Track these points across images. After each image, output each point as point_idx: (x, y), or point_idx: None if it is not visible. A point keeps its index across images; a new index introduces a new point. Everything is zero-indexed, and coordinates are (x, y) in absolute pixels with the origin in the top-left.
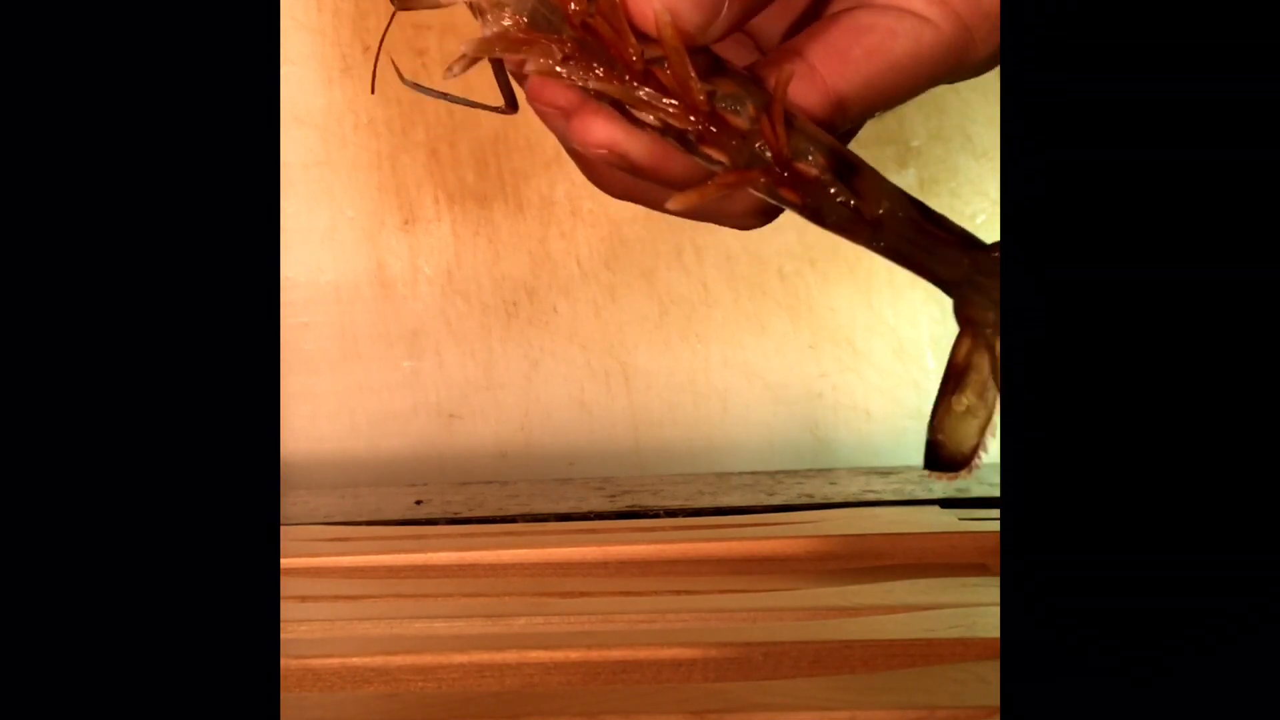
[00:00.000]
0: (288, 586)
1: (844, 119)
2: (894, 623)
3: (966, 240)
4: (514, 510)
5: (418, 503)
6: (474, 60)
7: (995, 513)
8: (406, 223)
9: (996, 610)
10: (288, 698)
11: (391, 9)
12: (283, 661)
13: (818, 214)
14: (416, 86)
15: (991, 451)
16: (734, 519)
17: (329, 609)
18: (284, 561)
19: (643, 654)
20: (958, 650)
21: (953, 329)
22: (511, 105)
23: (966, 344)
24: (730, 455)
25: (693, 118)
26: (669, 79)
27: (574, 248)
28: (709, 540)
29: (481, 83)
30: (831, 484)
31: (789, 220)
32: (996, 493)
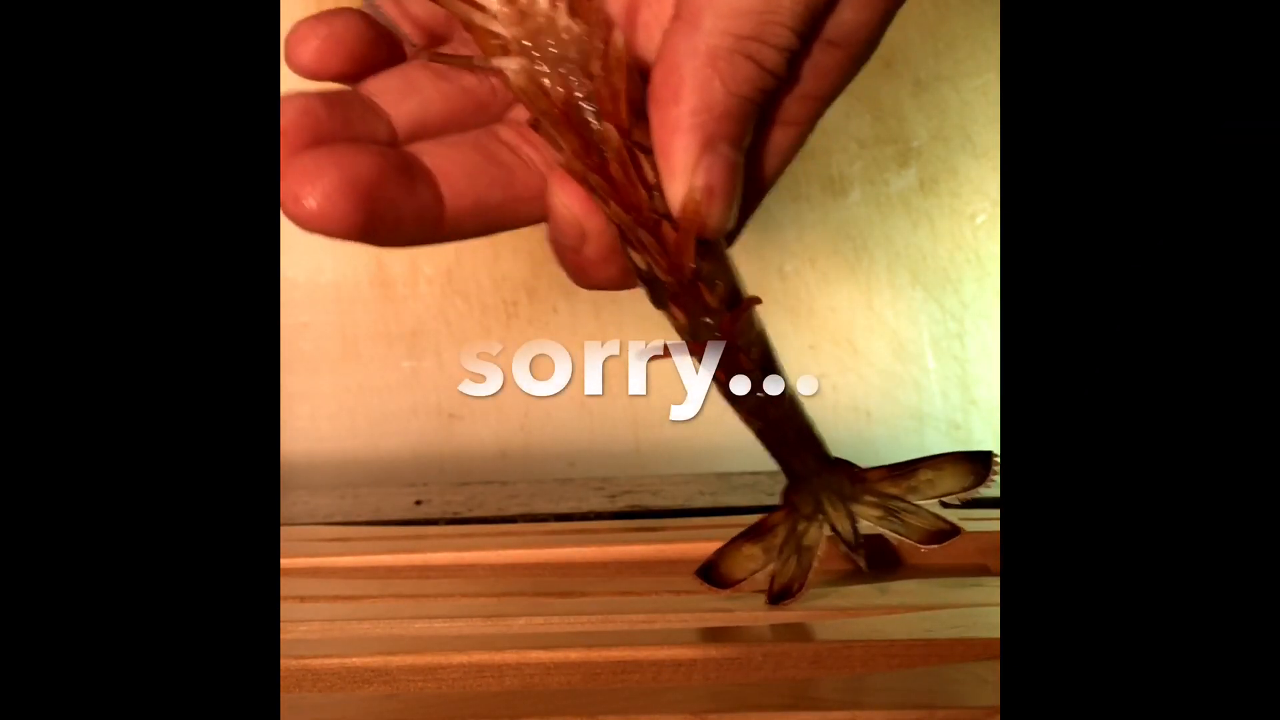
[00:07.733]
0: (288, 586)
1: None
2: (894, 623)
3: (822, 455)
4: (514, 510)
5: (418, 503)
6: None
7: (995, 513)
8: None
9: (996, 610)
10: (288, 698)
11: None
12: (283, 661)
13: (728, 396)
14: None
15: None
16: (734, 519)
17: (329, 609)
18: (284, 561)
19: (643, 654)
20: (958, 650)
21: (954, 330)
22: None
23: (779, 516)
24: (730, 455)
25: (674, 278)
26: (670, 236)
27: None
28: (709, 540)
29: None
30: None
31: (789, 220)
32: (996, 493)
